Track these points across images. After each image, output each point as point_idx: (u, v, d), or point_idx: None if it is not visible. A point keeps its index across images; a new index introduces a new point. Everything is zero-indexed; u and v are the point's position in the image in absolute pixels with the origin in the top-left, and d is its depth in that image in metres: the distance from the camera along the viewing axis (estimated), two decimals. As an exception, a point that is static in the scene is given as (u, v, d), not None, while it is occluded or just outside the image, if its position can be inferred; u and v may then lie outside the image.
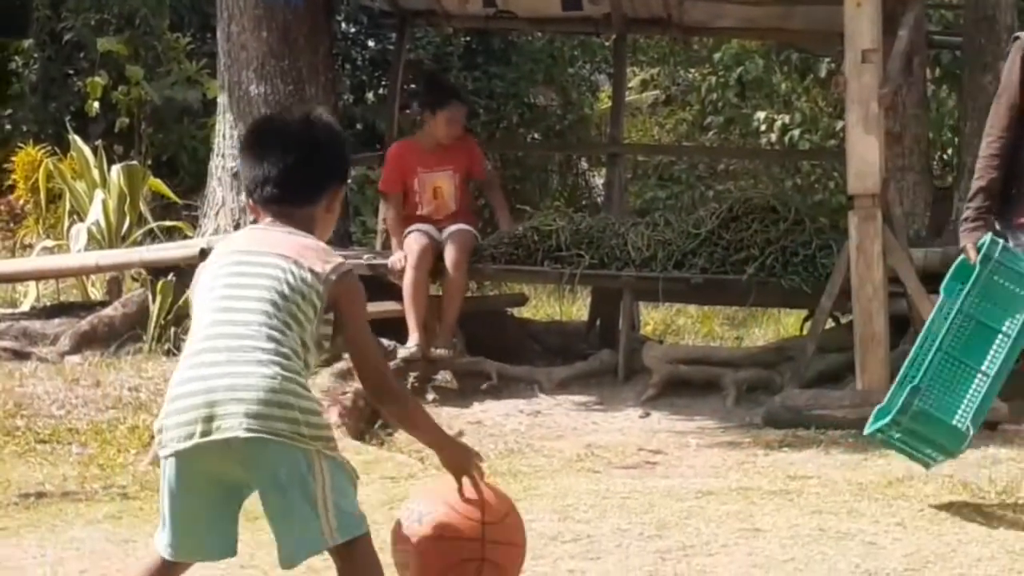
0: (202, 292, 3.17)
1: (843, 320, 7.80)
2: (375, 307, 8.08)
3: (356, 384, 6.71)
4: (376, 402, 3.30)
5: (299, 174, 3.24)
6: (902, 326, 7.23)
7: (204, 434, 2.98)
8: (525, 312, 9.91)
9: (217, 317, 3.10)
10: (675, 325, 10.85)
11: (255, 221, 3.32)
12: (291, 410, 2.99)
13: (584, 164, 15.93)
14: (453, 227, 8.03)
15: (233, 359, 3.01)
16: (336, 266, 3.14)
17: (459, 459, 3.38)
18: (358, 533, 3.05)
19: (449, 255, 7.81)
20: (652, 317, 10.73)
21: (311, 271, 3.11)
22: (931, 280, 7.26)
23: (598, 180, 14.96)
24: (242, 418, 2.96)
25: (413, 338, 7.57)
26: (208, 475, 3.06)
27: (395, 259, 7.88)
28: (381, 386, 3.24)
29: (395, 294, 7.97)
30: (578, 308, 10.92)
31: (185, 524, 3.09)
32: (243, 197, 8.36)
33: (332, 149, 3.32)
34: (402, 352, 7.50)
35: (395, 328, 7.76)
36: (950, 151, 13.21)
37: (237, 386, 2.98)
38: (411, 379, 7.52)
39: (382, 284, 8.16)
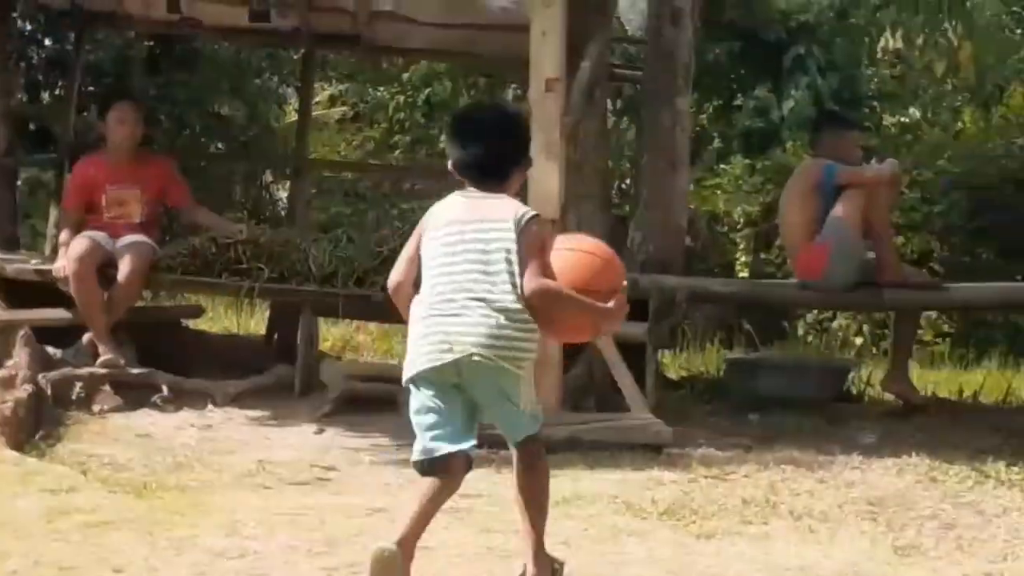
0: (429, 257, 4.11)
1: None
2: (43, 314, 7.81)
3: (17, 393, 6.48)
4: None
5: (494, 159, 4.15)
6: (576, 349, 7.38)
7: (442, 357, 3.98)
8: (202, 324, 9.70)
9: (440, 279, 4.04)
10: (354, 342, 10.80)
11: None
12: (508, 342, 3.99)
13: (269, 177, 15.74)
14: (131, 238, 7.86)
15: (463, 307, 3.99)
16: (525, 212, 4.07)
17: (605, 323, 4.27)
18: (535, 431, 4.12)
19: (123, 267, 7.64)
20: (332, 333, 10.65)
21: (509, 221, 4.02)
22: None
23: (282, 194, 14.80)
24: (470, 347, 3.96)
25: (105, 349, 7.42)
26: (444, 386, 4.02)
27: (58, 265, 7.73)
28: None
29: (65, 302, 7.75)
30: (257, 322, 10.76)
31: (433, 424, 4.03)
32: None
33: (518, 128, 4.30)
34: (101, 360, 7.40)
35: (61, 335, 7.54)
36: (628, 181, 13.62)
37: (466, 323, 3.98)
38: (78, 388, 7.27)
39: (52, 291, 7.91)
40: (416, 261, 4.18)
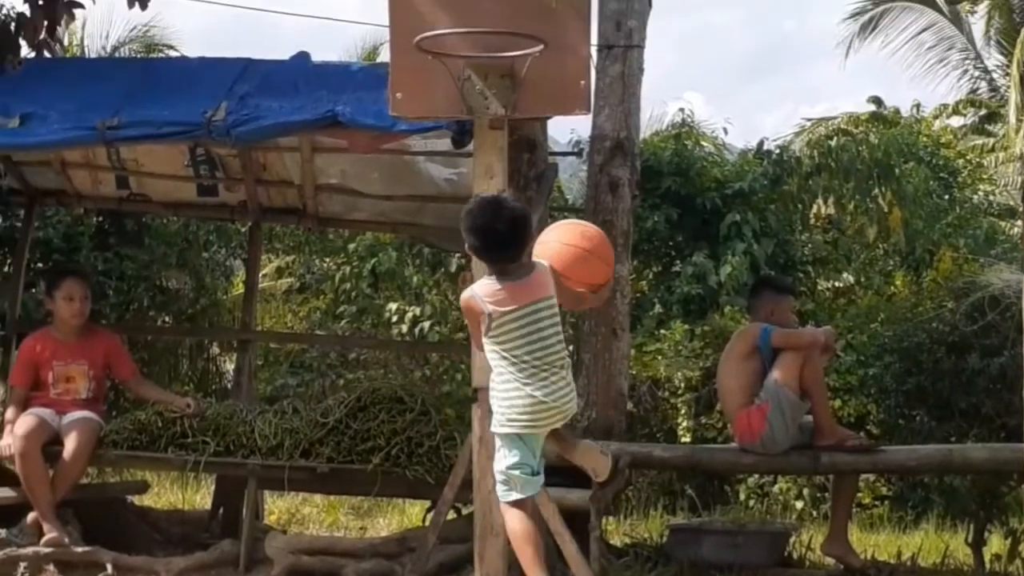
0: (506, 339, 5.24)
1: (464, 511, 7.94)
2: (-13, 494, 7.79)
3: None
4: None
5: (517, 243, 5.25)
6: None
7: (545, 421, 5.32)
8: (147, 500, 9.67)
9: (534, 345, 5.24)
10: (300, 514, 10.78)
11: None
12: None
13: (216, 349, 15.77)
14: (77, 414, 7.88)
15: (555, 379, 5.26)
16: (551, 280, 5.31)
17: None
18: None
19: (69, 444, 7.67)
20: (277, 506, 10.64)
21: (553, 296, 5.27)
22: (550, 472, 7.52)
23: (229, 365, 14.82)
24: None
25: (50, 528, 7.41)
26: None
27: (3, 444, 7.74)
28: None
29: (10, 480, 7.74)
30: (203, 496, 10.73)
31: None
32: None
33: (528, 221, 5.32)
34: (46, 539, 7.37)
35: (7, 515, 7.50)
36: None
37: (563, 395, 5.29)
38: (22, 568, 7.24)
39: (-3, 471, 7.92)
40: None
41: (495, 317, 5.23)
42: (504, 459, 5.39)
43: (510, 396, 5.29)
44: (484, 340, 5.33)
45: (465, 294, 5.36)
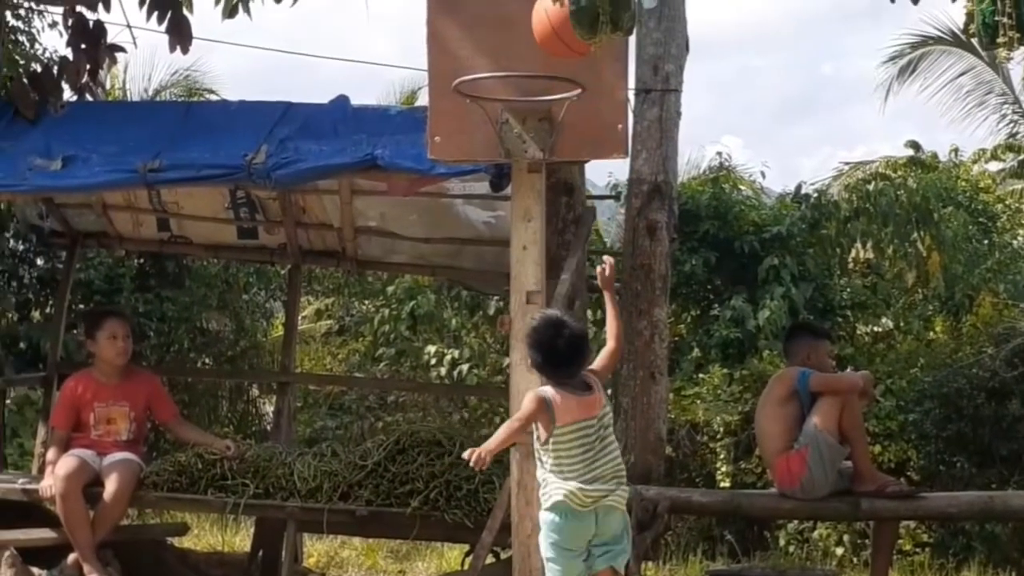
0: (566, 448, 5.54)
1: (503, 555, 7.92)
2: (29, 535, 7.83)
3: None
4: None
5: (575, 362, 5.66)
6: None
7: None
8: (187, 542, 9.69)
9: (587, 456, 5.55)
10: (339, 557, 10.77)
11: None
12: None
13: (255, 391, 15.82)
14: (118, 456, 7.92)
15: (608, 480, 5.56)
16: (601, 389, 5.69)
17: None
18: None
19: (109, 486, 7.70)
20: (316, 549, 10.64)
21: (607, 405, 5.67)
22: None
23: (269, 407, 14.86)
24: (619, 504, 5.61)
25: (91, 569, 7.44)
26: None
27: (45, 485, 7.77)
28: None
29: (51, 521, 7.78)
30: (242, 538, 10.74)
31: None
32: None
33: (586, 341, 5.77)
34: None
35: (48, 556, 7.54)
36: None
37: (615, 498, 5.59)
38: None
39: (37, 511, 7.95)
40: (522, 434, 5.69)
41: (559, 426, 5.55)
42: (541, 544, 5.76)
43: (547, 482, 5.64)
44: (539, 445, 5.64)
45: (540, 394, 5.63)
